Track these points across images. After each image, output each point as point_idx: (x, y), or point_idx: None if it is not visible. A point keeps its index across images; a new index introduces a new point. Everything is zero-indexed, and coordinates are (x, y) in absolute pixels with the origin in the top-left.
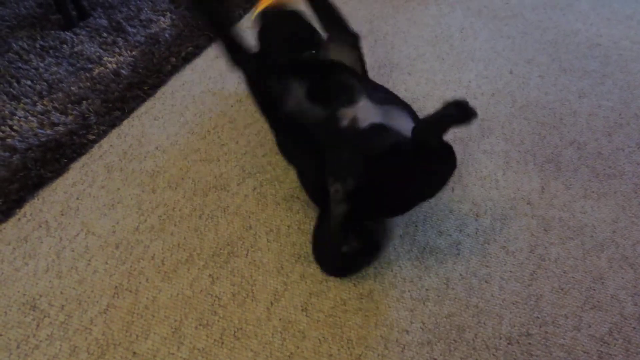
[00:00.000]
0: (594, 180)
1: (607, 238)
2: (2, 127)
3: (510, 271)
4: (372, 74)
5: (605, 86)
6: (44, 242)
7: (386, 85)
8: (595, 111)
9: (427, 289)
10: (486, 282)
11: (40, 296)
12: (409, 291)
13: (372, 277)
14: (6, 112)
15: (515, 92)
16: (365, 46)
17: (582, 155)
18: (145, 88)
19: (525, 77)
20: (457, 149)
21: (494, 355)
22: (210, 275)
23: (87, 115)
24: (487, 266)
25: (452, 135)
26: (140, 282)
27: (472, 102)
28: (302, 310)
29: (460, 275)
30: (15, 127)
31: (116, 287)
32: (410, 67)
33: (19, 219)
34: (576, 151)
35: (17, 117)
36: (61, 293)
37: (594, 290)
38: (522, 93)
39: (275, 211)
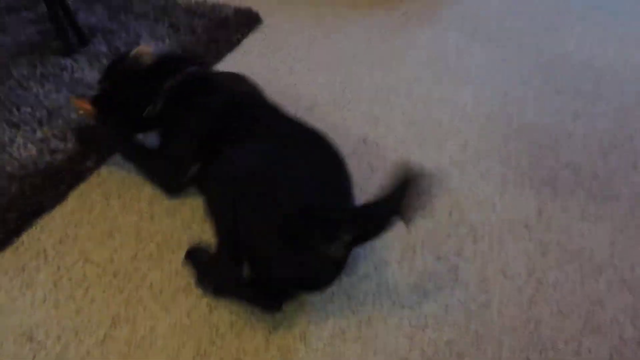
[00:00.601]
0: (590, 203)
1: (605, 261)
2: (2, 155)
3: (509, 296)
4: (370, 97)
5: (600, 107)
6: (41, 271)
7: (384, 109)
8: (590, 132)
9: (426, 316)
10: (485, 307)
11: (37, 327)
12: (407, 318)
13: (371, 304)
14: (6, 139)
15: (510, 114)
16: (362, 69)
17: (578, 177)
18: None
19: (521, 99)
20: (454, 173)
21: None
22: (208, 303)
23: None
24: (485, 291)
25: (448, 159)
26: (138, 312)
27: (468, 125)
28: (301, 339)
29: (459, 300)
30: (14, 155)
31: (114, 316)
32: (407, 89)
33: (17, 247)
34: (572, 173)
35: (16, 145)
36: (58, 323)
37: (593, 313)
38: (518, 115)
39: None
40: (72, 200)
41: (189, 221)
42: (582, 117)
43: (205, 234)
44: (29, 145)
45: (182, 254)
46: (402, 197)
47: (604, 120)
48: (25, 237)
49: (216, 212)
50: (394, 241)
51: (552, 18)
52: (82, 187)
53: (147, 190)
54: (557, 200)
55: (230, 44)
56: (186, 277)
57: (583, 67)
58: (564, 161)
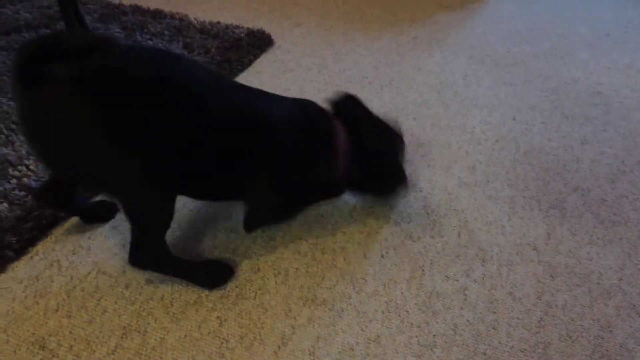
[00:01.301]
0: (598, 227)
1: (614, 285)
2: (19, 167)
3: (518, 318)
4: None
5: (607, 133)
6: (55, 281)
7: None
8: (598, 158)
9: (434, 335)
10: (494, 328)
11: (50, 335)
12: (416, 337)
13: (380, 321)
14: (23, 152)
15: (518, 138)
16: (372, 91)
17: (587, 202)
18: None
19: (529, 123)
20: (463, 195)
21: None
22: (218, 317)
23: None
24: (494, 312)
25: (457, 181)
26: (148, 323)
27: (477, 148)
28: (310, 354)
29: (468, 321)
30: (31, 167)
31: (125, 327)
32: (416, 112)
33: (32, 257)
34: (580, 197)
35: (33, 157)
36: (70, 333)
37: (602, 338)
38: (526, 139)
39: (284, 253)
40: None
41: (201, 234)
42: (590, 143)
43: (217, 248)
44: None
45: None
46: None
47: (612, 146)
48: (40, 247)
49: None
50: (403, 260)
51: (560, 44)
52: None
53: None
54: (566, 223)
55: (243, 64)
56: (197, 290)
57: (591, 93)
58: (572, 185)
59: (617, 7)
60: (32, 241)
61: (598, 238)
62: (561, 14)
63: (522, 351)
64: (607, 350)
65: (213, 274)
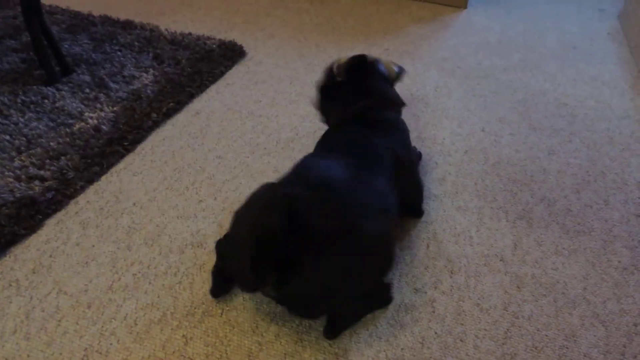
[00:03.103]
0: (564, 237)
1: (578, 295)
2: None
3: (485, 329)
4: None
5: (573, 144)
6: (13, 302)
7: None
8: (563, 168)
9: (402, 349)
10: (461, 340)
11: None
12: (384, 351)
13: (348, 336)
14: None
15: (487, 150)
16: None
17: (553, 212)
18: (125, 144)
19: (497, 135)
20: (432, 206)
21: None
22: (183, 335)
23: (65, 171)
24: (461, 324)
25: (426, 192)
26: (111, 344)
27: (446, 159)
28: None
29: (436, 333)
30: None
31: (86, 349)
32: None
33: None
34: (546, 208)
35: None
36: (28, 356)
37: (567, 348)
38: (494, 150)
39: None
40: (48, 229)
41: (167, 251)
42: (557, 154)
43: (184, 264)
44: (6, 173)
45: (158, 285)
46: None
47: (577, 156)
48: None
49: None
50: None
51: (529, 56)
52: (59, 216)
53: (125, 220)
54: (532, 234)
55: (214, 76)
56: (162, 308)
57: (557, 104)
58: (539, 196)
59: (584, 20)
60: None
61: (563, 248)
62: (531, 26)
63: None
64: None
65: (379, 293)
